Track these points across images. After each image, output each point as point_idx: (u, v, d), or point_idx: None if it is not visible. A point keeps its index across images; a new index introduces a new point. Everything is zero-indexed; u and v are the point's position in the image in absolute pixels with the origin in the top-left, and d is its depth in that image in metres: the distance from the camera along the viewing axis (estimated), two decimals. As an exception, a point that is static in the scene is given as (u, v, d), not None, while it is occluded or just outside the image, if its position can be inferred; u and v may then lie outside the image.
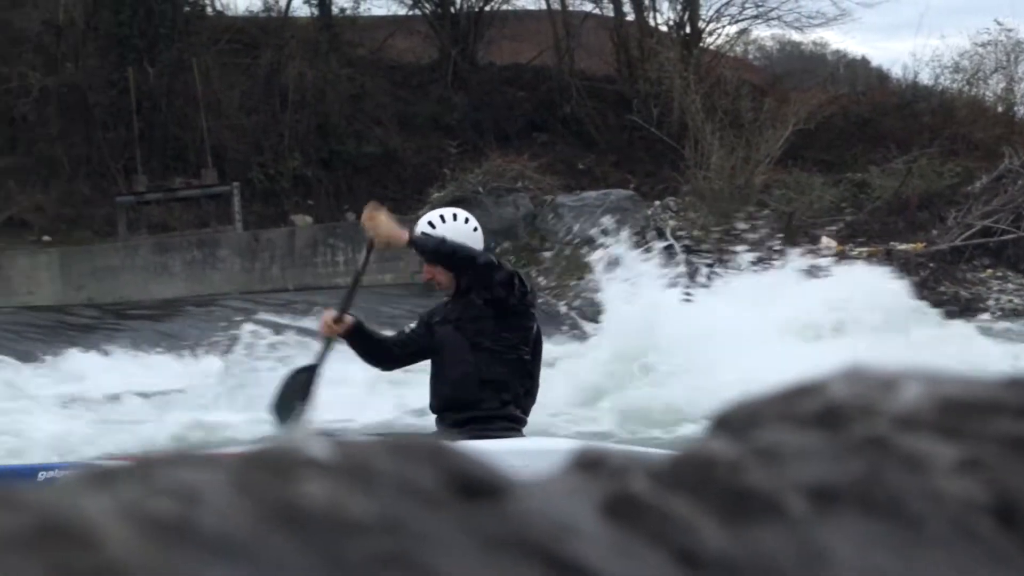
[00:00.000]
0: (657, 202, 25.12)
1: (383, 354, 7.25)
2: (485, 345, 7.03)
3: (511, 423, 7.00)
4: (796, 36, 37.01)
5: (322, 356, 7.28)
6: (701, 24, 30.40)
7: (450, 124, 27.01)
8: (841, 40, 46.69)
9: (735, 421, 1.04)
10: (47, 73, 25.17)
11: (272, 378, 7.73)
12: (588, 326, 15.62)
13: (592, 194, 23.63)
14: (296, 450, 0.97)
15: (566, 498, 0.95)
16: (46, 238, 24.35)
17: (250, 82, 26.13)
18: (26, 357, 16.91)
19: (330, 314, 7.20)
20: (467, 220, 7.22)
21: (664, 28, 30.29)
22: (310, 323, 17.97)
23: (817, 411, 1.03)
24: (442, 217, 7.21)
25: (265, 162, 25.63)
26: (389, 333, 7.52)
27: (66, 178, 25.05)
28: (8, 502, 0.81)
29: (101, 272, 22.69)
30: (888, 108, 29.79)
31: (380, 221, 6.96)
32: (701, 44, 29.91)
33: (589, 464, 0.98)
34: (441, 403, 7.07)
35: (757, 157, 25.28)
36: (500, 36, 29.07)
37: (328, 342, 7.24)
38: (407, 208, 24.62)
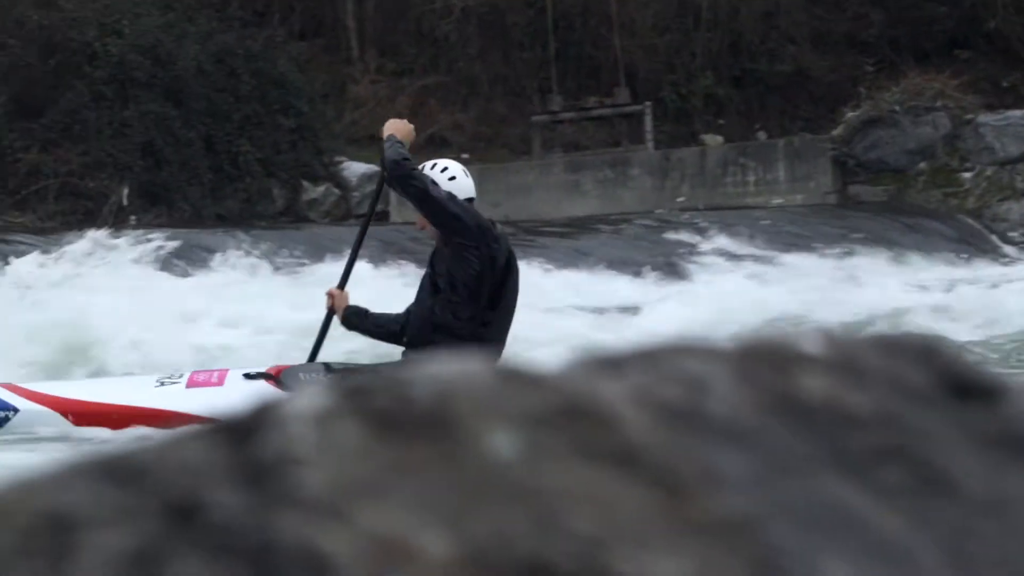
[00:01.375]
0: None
1: (398, 331, 7.63)
2: (442, 288, 7.33)
3: None
4: None
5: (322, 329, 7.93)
6: None
7: (866, 41, 26.40)
8: None
9: None
10: (467, -6, 25.83)
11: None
12: (1010, 248, 15.11)
13: (1017, 113, 22.78)
14: (791, 344, 0.99)
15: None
16: (465, 156, 25.06)
17: (663, 1, 26.17)
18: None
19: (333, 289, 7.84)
20: (444, 169, 7.59)
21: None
22: (723, 242, 18.02)
23: None
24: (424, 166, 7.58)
25: (677, 81, 25.65)
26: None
27: (484, 97, 25.69)
28: (537, 383, 0.87)
29: (515, 190, 23.23)
30: None
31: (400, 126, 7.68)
32: None
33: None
34: (406, 342, 7.41)
35: None
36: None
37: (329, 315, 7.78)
38: (819, 127, 24.26)
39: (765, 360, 0.97)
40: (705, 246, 17.61)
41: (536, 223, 21.70)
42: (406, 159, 7.43)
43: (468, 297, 7.29)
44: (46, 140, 22.66)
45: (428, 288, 7.47)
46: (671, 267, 16.13)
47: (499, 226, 7.89)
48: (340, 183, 24.13)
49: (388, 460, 0.77)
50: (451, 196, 7.40)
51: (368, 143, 24.76)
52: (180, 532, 0.71)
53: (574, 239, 19.82)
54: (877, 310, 12.43)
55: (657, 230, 19.38)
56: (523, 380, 0.85)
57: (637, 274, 16.41)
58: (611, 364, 0.92)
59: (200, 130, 23.24)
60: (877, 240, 18.10)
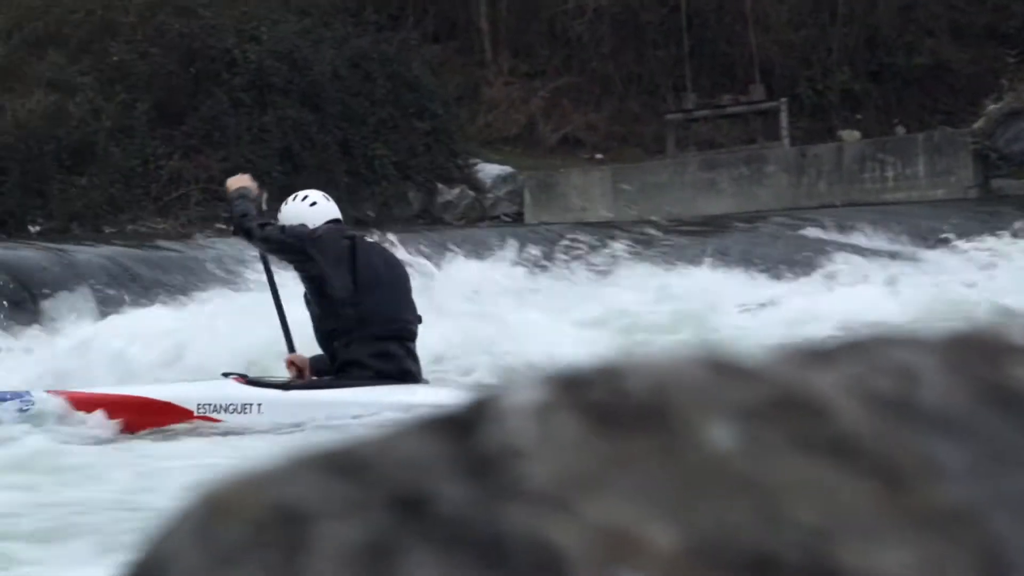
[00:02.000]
0: None
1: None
2: (310, 305, 8.51)
3: (360, 368, 8.24)
4: None
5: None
6: None
7: (1007, 32, 25.99)
8: None
9: None
10: (600, -6, 25.81)
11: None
12: None
13: None
14: (1001, 335, 0.98)
15: None
16: (598, 155, 25.05)
17: (798, -4, 25.97)
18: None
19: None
20: (305, 198, 8.75)
21: None
22: (863, 239, 17.83)
23: None
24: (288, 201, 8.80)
25: (813, 76, 25.43)
26: None
27: (618, 96, 25.66)
28: (750, 375, 0.86)
29: (650, 188, 23.17)
30: None
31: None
32: None
33: None
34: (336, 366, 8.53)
35: None
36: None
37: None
38: (959, 121, 23.90)
39: (975, 350, 0.96)
40: (844, 243, 17.41)
41: (671, 222, 21.61)
42: (261, 225, 8.53)
43: (330, 294, 8.42)
44: (187, 147, 23.04)
45: (312, 311, 8.55)
46: (809, 265, 15.99)
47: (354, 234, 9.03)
48: (475, 185, 24.24)
49: (608, 453, 0.77)
50: (282, 228, 8.59)
51: (502, 145, 24.85)
52: (409, 524, 0.71)
53: (710, 237, 19.71)
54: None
55: (794, 227, 19.22)
56: (736, 372, 0.85)
57: (774, 272, 16.28)
58: (821, 355, 0.92)
59: (336, 134, 23.48)
60: (1019, 235, 17.79)
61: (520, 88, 25.29)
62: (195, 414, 8.51)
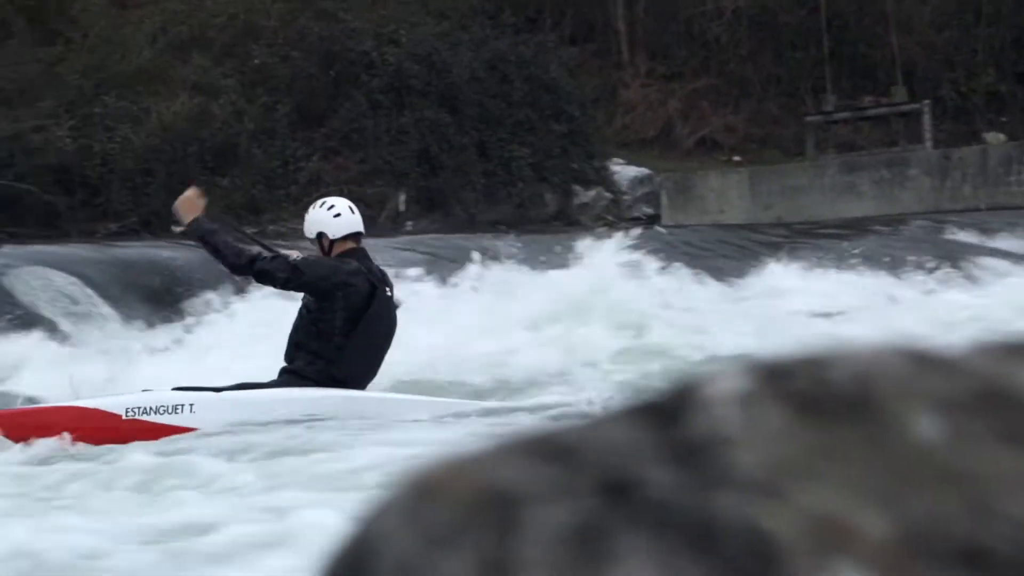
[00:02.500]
0: None
1: None
2: (302, 312, 8.69)
3: (314, 383, 8.45)
4: None
5: None
6: None
7: None
8: None
9: None
10: (738, -5, 25.66)
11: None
12: None
13: None
14: None
15: None
16: (736, 158, 24.91)
17: (940, -3, 25.62)
18: (718, 274, 17.40)
19: None
20: (331, 207, 8.74)
21: None
22: (1009, 243, 17.53)
23: None
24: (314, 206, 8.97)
25: (956, 78, 25.07)
26: None
27: (756, 98, 25.49)
28: (953, 367, 0.86)
29: (789, 191, 22.99)
30: None
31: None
32: None
33: None
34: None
35: None
36: None
37: None
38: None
39: None
40: (989, 246, 17.15)
41: (811, 225, 21.41)
42: (272, 258, 8.74)
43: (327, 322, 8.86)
44: (326, 148, 23.28)
45: (302, 316, 8.86)
46: (952, 268, 15.76)
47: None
48: (611, 187, 24.22)
49: (814, 442, 0.77)
50: (298, 266, 8.68)
51: (639, 147, 24.79)
52: (618, 509, 0.72)
53: (851, 240, 19.50)
54: None
55: (937, 231, 18.95)
56: (939, 363, 0.85)
57: (916, 275, 16.08)
58: (1020, 349, 0.91)
59: (473, 136, 23.58)
60: None
61: (657, 90, 25.22)
62: (123, 418, 8.57)
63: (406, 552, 0.72)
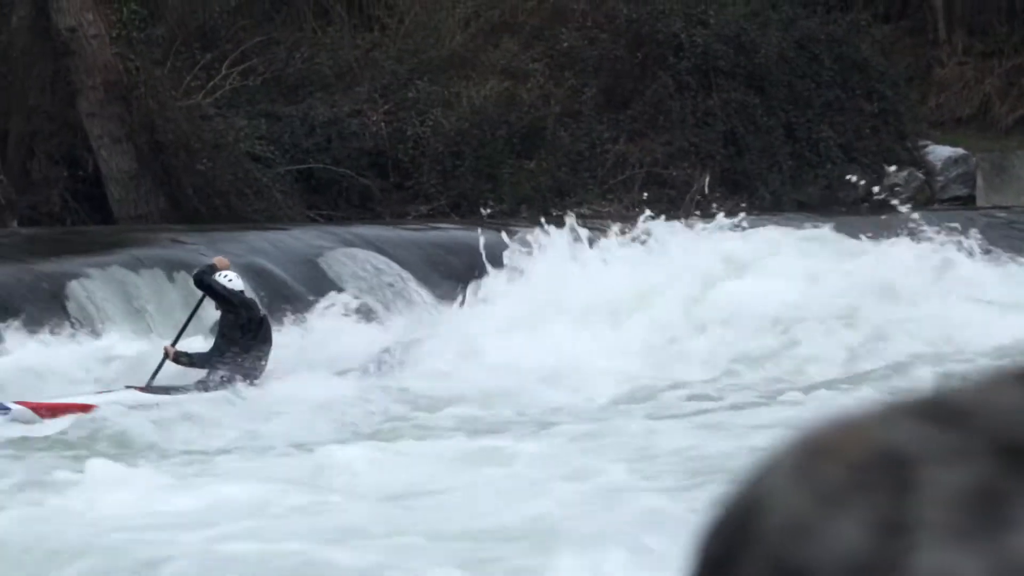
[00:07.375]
0: None
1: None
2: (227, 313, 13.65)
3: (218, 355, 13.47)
4: None
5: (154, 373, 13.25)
6: None
7: None
8: None
9: None
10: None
11: None
12: None
13: None
14: None
15: None
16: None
17: None
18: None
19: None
20: (227, 277, 13.69)
21: None
22: None
23: None
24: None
25: None
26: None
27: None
28: None
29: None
30: None
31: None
32: None
33: None
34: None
35: None
36: None
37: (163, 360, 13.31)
38: None
39: None
40: None
41: None
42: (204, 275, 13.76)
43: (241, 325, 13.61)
44: (632, 130, 23.34)
45: (225, 318, 13.85)
46: None
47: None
48: (924, 167, 23.69)
49: None
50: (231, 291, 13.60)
51: (954, 126, 24.17)
52: (1016, 473, 0.71)
53: None
54: None
55: None
56: None
57: None
58: None
59: (781, 117, 23.34)
60: None
61: (975, 68, 24.52)
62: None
63: (797, 510, 0.72)
